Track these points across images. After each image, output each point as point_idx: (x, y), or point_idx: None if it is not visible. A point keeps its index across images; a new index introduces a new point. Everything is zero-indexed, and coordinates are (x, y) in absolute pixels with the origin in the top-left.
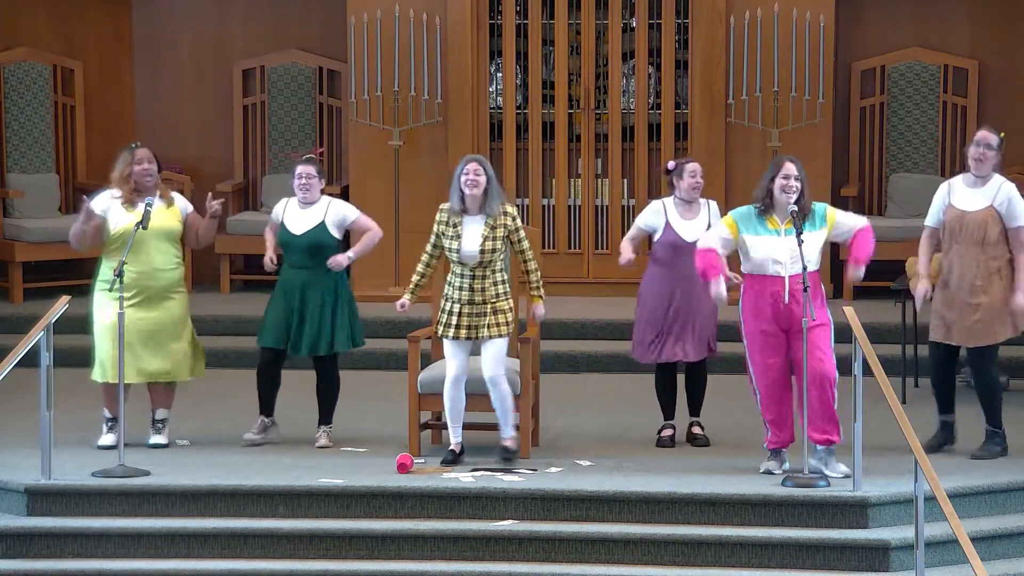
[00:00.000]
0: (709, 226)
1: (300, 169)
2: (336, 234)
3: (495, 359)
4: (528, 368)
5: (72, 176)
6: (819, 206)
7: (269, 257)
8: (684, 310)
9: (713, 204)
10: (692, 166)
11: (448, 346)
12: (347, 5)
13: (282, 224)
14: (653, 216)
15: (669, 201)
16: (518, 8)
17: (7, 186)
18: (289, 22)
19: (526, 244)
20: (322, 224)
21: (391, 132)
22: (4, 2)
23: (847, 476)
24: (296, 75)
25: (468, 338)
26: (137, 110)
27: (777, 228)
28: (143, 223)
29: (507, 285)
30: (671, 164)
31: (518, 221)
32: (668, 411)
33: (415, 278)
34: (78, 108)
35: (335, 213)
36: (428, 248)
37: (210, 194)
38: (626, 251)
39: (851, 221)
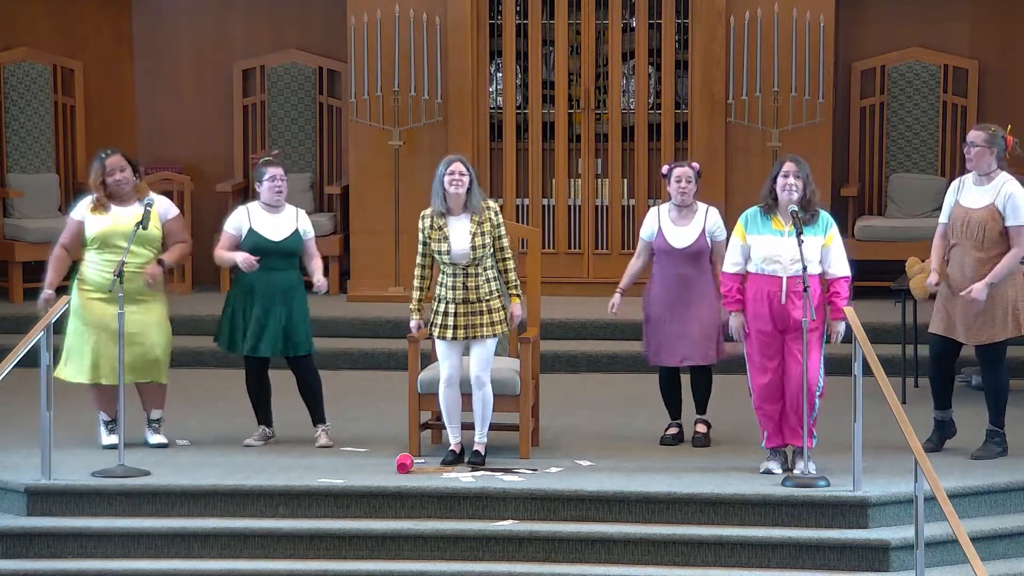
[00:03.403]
0: (703, 232)
1: (272, 171)
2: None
3: (483, 360)
4: (528, 368)
5: (72, 176)
6: (825, 215)
7: (245, 259)
8: (680, 314)
9: (713, 211)
10: (679, 171)
11: (442, 347)
12: (347, 5)
13: (251, 231)
14: (649, 224)
15: (665, 207)
16: (518, 8)
17: (7, 186)
18: (289, 22)
19: (506, 242)
20: (296, 232)
21: (391, 132)
22: (4, 2)
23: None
24: (296, 75)
25: (465, 338)
26: (137, 110)
27: (781, 228)
28: (143, 223)
29: (498, 282)
30: (664, 169)
31: (500, 217)
32: (673, 411)
33: (416, 295)
34: (78, 108)
35: (304, 224)
36: (418, 259)
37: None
38: (616, 297)
39: (837, 262)
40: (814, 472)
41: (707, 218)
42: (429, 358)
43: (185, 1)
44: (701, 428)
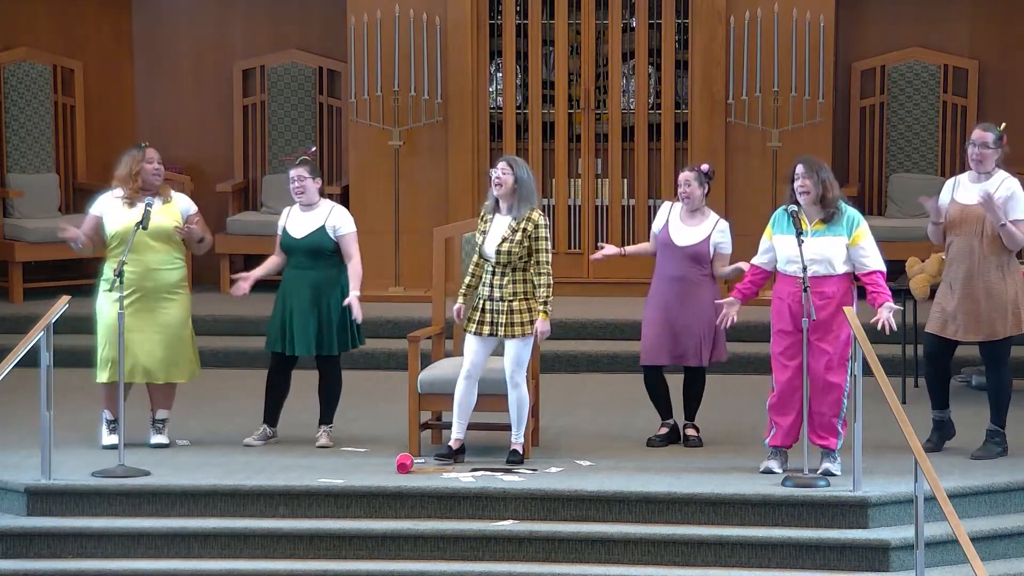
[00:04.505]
0: (708, 239)
1: (292, 173)
2: (333, 238)
3: (512, 360)
4: (528, 368)
5: (72, 176)
6: (851, 214)
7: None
8: (678, 314)
9: (723, 223)
10: (681, 176)
11: (468, 340)
12: (347, 5)
13: (284, 229)
14: (659, 217)
15: (678, 205)
16: (518, 8)
17: (7, 186)
18: (289, 22)
19: (542, 256)
20: (322, 228)
21: (391, 132)
22: (4, 2)
23: (833, 475)
24: (296, 75)
25: (490, 335)
26: (137, 110)
27: (804, 228)
28: (143, 223)
29: (529, 286)
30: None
31: (541, 230)
32: (662, 411)
33: (466, 279)
34: (78, 108)
35: (334, 220)
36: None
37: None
38: (610, 248)
39: (870, 255)
40: (835, 471)
41: (715, 228)
42: (429, 358)
43: (185, 1)
44: (692, 432)
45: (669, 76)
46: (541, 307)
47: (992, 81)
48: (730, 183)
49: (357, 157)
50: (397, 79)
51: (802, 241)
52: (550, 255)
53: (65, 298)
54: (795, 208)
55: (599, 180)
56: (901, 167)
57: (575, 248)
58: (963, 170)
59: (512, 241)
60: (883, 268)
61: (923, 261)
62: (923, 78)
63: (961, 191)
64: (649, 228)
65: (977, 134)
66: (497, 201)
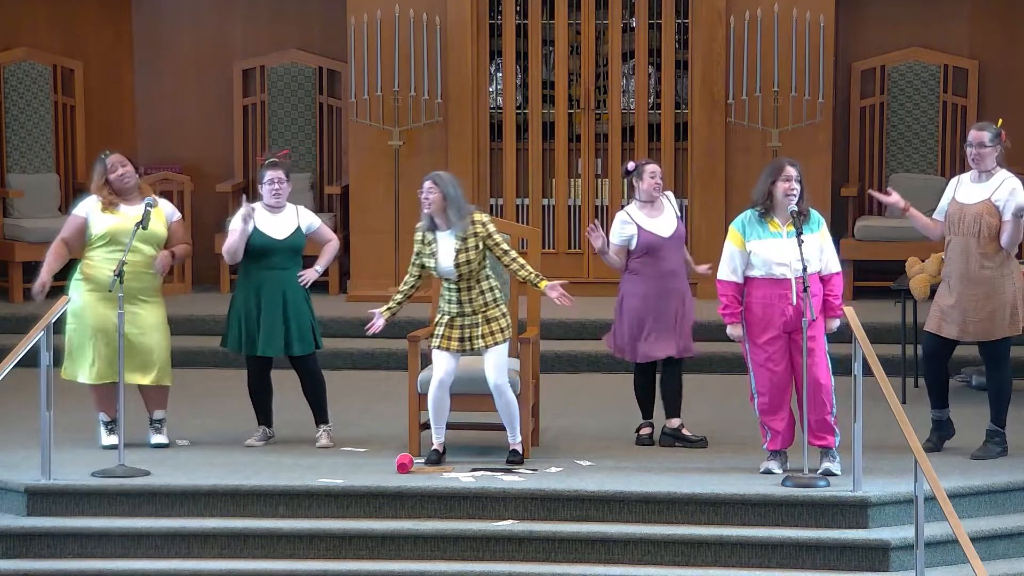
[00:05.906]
0: (677, 216)
1: (271, 174)
2: (307, 234)
3: (497, 367)
4: (528, 368)
5: (72, 176)
6: (815, 214)
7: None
8: (665, 307)
9: (669, 194)
10: (651, 167)
11: (437, 354)
12: (347, 5)
13: (256, 230)
14: (623, 228)
15: (632, 207)
16: (518, 8)
17: (7, 186)
18: (289, 22)
19: (505, 246)
20: (299, 229)
21: (391, 132)
22: (4, 2)
23: (834, 475)
24: (296, 75)
25: (461, 350)
26: (137, 110)
27: (779, 230)
28: (143, 223)
29: (496, 292)
30: (630, 165)
31: (489, 227)
32: (647, 410)
33: (396, 297)
34: (78, 108)
35: (305, 219)
36: (410, 268)
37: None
38: (599, 242)
39: (832, 257)
40: (835, 470)
41: (671, 202)
42: (428, 358)
43: (185, 1)
44: (686, 431)
45: (669, 76)
46: (537, 281)
47: (992, 81)
48: (730, 183)
49: (357, 157)
50: (397, 79)
51: (802, 241)
52: (509, 242)
53: (65, 298)
54: (794, 209)
55: (599, 180)
56: (901, 167)
57: (575, 248)
58: (963, 170)
59: (468, 251)
60: (840, 270)
61: (923, 261)
62: (923, 78)
63: (961, 190)
64: None
65: (973, 135)
66: (432, 218)
